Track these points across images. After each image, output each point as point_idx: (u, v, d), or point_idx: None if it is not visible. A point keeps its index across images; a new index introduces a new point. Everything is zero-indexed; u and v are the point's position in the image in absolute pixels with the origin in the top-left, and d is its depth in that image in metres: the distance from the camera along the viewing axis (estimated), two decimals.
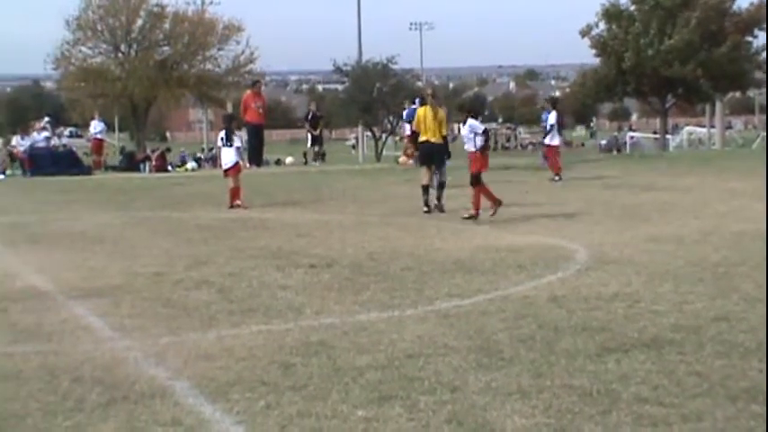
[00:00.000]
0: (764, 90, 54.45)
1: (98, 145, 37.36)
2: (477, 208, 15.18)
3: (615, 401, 5.71)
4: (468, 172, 15.39)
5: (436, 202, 16.55)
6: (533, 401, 5.74)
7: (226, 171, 18.48)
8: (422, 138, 16.89)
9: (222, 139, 18.82)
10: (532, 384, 6.07)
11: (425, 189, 16.49)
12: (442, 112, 16.98)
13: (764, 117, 77.11)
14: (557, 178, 22.00)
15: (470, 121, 15.66)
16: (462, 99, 42.44)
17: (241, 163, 18.84)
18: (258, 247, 12.51)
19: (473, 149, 15.52)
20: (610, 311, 8.17)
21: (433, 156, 16.76)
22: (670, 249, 11.49)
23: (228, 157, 18.40)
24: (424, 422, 5.43)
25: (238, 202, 17.86)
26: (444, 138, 16.94)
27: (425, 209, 16.33)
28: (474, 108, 17.22)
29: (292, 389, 6.08)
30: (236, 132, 19.66)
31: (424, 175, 16.73)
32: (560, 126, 23.82)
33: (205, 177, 29.25)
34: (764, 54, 46.96)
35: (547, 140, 23.92)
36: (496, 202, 15.25)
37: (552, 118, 23.30)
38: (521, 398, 5.81)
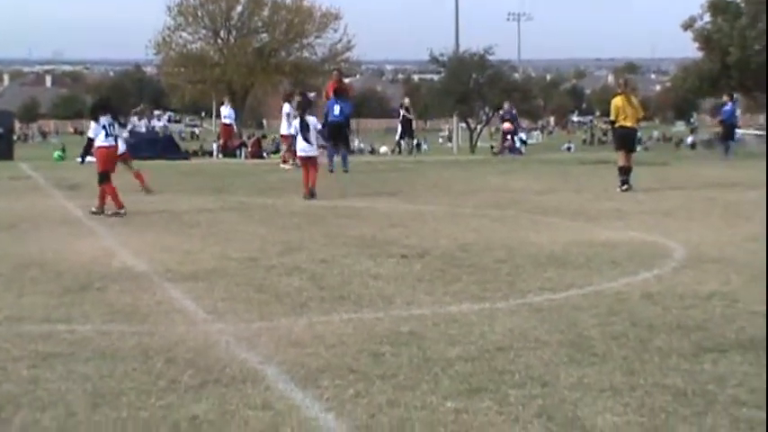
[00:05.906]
0: None
1: (227, 130, 35.69)
2: (101, 205, 14.92)
3: (711, 403, 5.58)
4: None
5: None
6: (625, 399, 5.64)
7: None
8: (620, 123, 19.03)
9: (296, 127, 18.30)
10: (625, 382, 5.97)
11: (622, 170, 18.54)
12: (635, 100, 19.40)
13: None
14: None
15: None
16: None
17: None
18: (351, 236, 12.55)
19: None
20: (706, 310, 7.98)
21: (630, 139, 19.06)
22: None
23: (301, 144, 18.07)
24: (513, 416, 5.38)
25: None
26: (638, 121, 19.40)
27: (624, 187, 18.26)
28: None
29: (382, 378, 6.08)
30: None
31: (620, 158, 18.80)
32: None
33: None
34: None
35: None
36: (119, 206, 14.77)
37: None
38: (612, 395, 5.71)
